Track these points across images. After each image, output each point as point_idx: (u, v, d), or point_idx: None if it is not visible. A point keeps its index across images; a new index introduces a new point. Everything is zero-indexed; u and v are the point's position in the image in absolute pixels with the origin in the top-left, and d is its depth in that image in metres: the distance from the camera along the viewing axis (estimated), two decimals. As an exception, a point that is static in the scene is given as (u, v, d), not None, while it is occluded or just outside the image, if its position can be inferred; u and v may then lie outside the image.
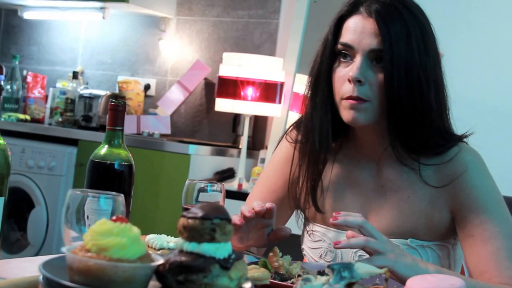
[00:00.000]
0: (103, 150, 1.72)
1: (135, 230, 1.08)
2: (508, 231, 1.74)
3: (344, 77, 1.77)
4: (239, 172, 4.21)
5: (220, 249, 1.08)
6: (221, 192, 1.79)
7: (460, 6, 3.91)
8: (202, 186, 1.78)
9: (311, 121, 1.86)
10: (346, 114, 1.77)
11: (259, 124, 4.63)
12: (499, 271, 1.70)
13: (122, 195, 1.29)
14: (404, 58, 1.73)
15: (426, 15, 1.83)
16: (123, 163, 1.72)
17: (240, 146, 4.36)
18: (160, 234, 1.75)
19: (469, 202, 1.76)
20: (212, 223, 1.08)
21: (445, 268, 1.83)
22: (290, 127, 2.00)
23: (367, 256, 1.60)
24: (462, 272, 2.10)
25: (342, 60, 1.80)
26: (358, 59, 1.76)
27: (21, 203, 4.56)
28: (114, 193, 1.30)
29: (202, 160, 4.24)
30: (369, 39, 1.75)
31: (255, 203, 1.67)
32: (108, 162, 1.70)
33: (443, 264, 1.85)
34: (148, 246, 1.68)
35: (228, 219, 1.09)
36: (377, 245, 1.56)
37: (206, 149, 4.30)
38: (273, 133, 4.17)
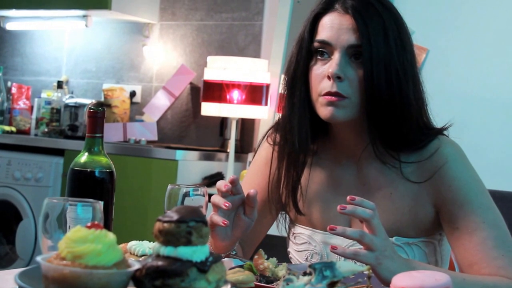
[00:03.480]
0: (83, 158, 1.71)
1: (111, 236, 1.06)
2: (492, 220, 1.73)
3: (322, 75, 1.76)
4: (227, 176, 4.19)
5: (197, 252, 1.06)
6: (204, 196, 1.77)
7: (446, 1, 3.91)
8: (184, 191, 1.76)
9: (289, 122, 1.84)
10: (324, 110, 1.75)
11: (247, 127, 4.62)
12: (487, 262, 1.69)
13: (100, 202, 1.28)
14: (383, 53, 1.72)
15: (398, 10, 1.82)
16: (104, 170, 1.71)
17: (228, 150, 4.34)
18: (142, 241, 1.73)
19: (452, 195, 1.75)
20: (188, 226, 1.06)
21: (432, 264, 1.82)
22: (270, 129, 1.99)
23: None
24: (451, 268, 2.09)
25: (319, 58, 1.78)
26: (336, 56, 1.74)
27: (8, 216, 4.53)
28: (91, 200, 1.28)
29: (190, 166, 4.22)
30: (347, 35, 1.74)
31: (219, 182, 1.69)
32: (88, 169, 1.69)
33: (430, 260, 1.84)
34: (130, 253, 1.66)
35: (204, 222, 1.08)
36: (371, 242, 1.53)
37: (194, 154, 4.28)
38: (261, 136, 4.14)
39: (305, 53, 1.80)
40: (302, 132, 1.82)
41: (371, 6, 1.74)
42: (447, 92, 3.80)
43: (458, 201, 1.74)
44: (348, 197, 1.55)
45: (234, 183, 1.68)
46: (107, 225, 1.70)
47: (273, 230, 2.05)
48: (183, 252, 1.06)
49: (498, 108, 3.74)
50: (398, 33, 1.75)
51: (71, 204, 1.24)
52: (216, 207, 1.69)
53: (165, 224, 1.07)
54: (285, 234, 2.03)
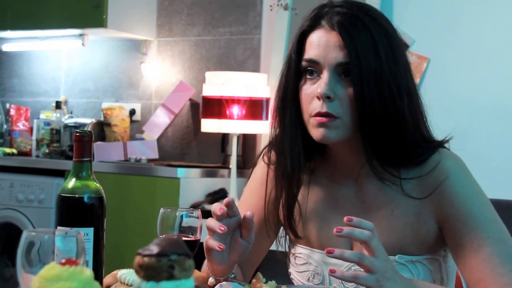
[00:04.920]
0: (71, 183, 1.65)
1: (87, 272, 1.00)
2: (498, 235, 1.67)
3: (312, 95, 1.70)
4: (230, 192, 4.14)
5: (181, 287, 1.00)
6: (198, 219, 1.71)
7: (447, 9, 3.87)
8: (177, 214, 1.71)
9: (281, 144, 1.79)
10: (315, 132, 1.70)
11: (248, 142, 4.57)
12: (494, 279, 1.63)
13: (90, 229, 1.21)
14: (373, 70, 1.66)
15: (391, 22, 1.76)
16: (93, 195, 1.65)
17: (230, 166, 4.29)
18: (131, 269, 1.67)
19: (455, 211, 1.69)
20: (169, 259, 1.01)
21: (437, 282, 1.77)
22: (265, 147, 1.94)
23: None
24: (459, 284, 2.05)
25: (309, 77, 1.73)
26: (325, 75, 1.69)
27: (13, 238, 4.49)
28: (72, 231, 1.22)
29: (192, 183, 4.18)
30: (335, 53, 1.68)
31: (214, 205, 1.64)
32: (77, 195, 1.63)
33: (435, 278, 1.78)
34: (121, 282, 1.60)
35: (187, 254, 1.02)
36: (371, 264, 1.48)
37: (196, 172, 4.24)
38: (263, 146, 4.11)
39: (293, 72, 1.75)
40: (294, 155, 1.77)
41: (358, 21, 1.68)
42: (449, 100, 3.77)
43: (462, 217, 1.68)
44: (345, 219, 1.50)
45: (230, 205, 1.63)
46: (98, 253, 1.65)
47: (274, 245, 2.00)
48: (166, 287, 1.00)
49: (502, 116, 3.71)
50: (389, 46, 1.69)
51: (49, 237, 1.17)
52: (212, 231, 1.64)
53: (145, 258, 1.01)
54: (287, 249, 1.97)
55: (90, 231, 1.62)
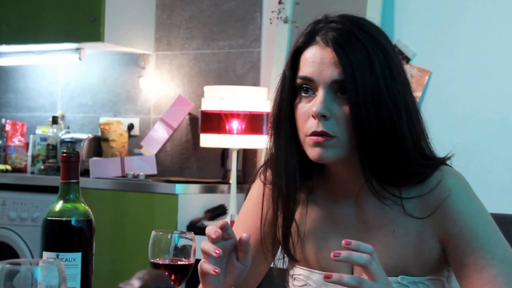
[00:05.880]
0: (58, 206, 1.59)
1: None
2: (502, 255, 1.62)
3: (307, 113, 1.65)
4: (230, 208, 4.07)
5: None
6: (192, 240, 1.64)
7: (448, 22, 3.83)
8: (169, 237, 1.64)
9: (276, 164, 1.74)
10: (311, 152, 1.65)
11: (248, 156, 4.50)
12: None
13: (61, 262, 1.14)
14: (370, 87, 1.60)
15: (389, 38, 1.70)
16: (81, 218, 1.60)
17: (230, 181, 4.23)
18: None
19: (458, 230, 1.64)
20: (152, 295, 0.93)
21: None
22: (261, 166, 1.87)
23: None
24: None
25: (304, 95, 1.68)
26: (320, 93, 1.63)
27: (6, 258, 4.41)
28: (51, 261, 1.14)
29: (191, 199, 4.12)
30: (330, 70, 1.62)
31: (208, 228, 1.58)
32: (64, 218, 1.58)
33: (439, 299, 1.72)
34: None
35: (170, 287, 0.94)
36: None
37: (195, 187, 4.18)
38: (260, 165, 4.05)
39: (288, 90, 1.70)
40: (289, 175, 1.72)
41: (353, 37, 1.63)
42: (451, 114, 3.74)
43: (465, 236, 1.64)
44: (343, 242, 1.45)
45: (225, 228, 1.57)
46: (87, 278, 1.59)
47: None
48: (149, 325, 0.92)
49: (505, 130, 3.66)
50: (385, 62, 1.63)
51: (27, 268, 1.09)
52: (207, 254, 1.58)
53: (126, 294, 0.93)
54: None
55: (77, 256, 1.57)
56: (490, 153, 3.66)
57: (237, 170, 4.20)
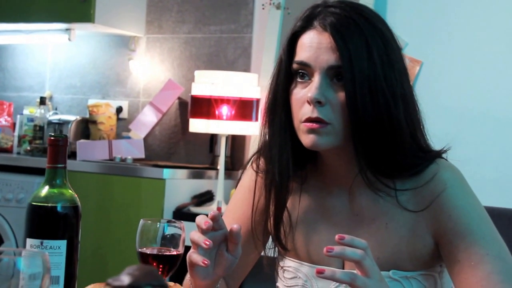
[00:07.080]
0: (44, 191, 1.55)
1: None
2: (497, 252, 1.59)
3: (303, 99, 1.61)
4: (218, 194, 4.04)
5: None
6: (181, 229, 1.62)
7: (440, 12, 3.80)
8: (158, 226, 1.61)
9: (270, 151, 1.70)
10: (305, 138, 1.61)
11: (237, 143, 4.47)
12: None
13: (45, 252, 1.10)
14: (367, 74, 1.57)
15: (388, 25, 1.66)
16: (67, 204, 1.55)
17: (218, 167, 4.20)
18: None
19: (452, 225, 1.61)
20: (142, 292, 0.89)
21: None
22: (254, 154, 1.84)
23: None
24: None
25: (299, 80, 1.64)
26: (316, 78, 1.60)
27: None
28: (36, 251, 1.10)
29: (178, 184, 4.08)
30: (326, 55, 1.59)
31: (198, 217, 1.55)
32: (49, 204, 1.53)
33: (430, 295, 1.70)
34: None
35: (163, 285, 0.90)
36: (364, 285, 1.40)
37: (182, 173, 4.13)
38: (252, 152, 4.01)
39: (284, 75, 1.66)
40: (283, 163, 1.68)
41: (352, 22, 1.59)
42: (442, 105, 3.72)
43: (459, 232, 1.60)
44: (336, 237, 1.42)
45: (216, 219, 1.54)
46: (71, 266, 1.55)
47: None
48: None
49: (495, 121, 3.65)
50: (384, 49, 1.60)
51: (10, 258, 1.05)
52: (196, 245, 1.54)
53: (115, 290, 0.89)
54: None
55: (63, 243, 1.53)
56: (480, 145, 3.65)
57: (226, 156, 4.18)
